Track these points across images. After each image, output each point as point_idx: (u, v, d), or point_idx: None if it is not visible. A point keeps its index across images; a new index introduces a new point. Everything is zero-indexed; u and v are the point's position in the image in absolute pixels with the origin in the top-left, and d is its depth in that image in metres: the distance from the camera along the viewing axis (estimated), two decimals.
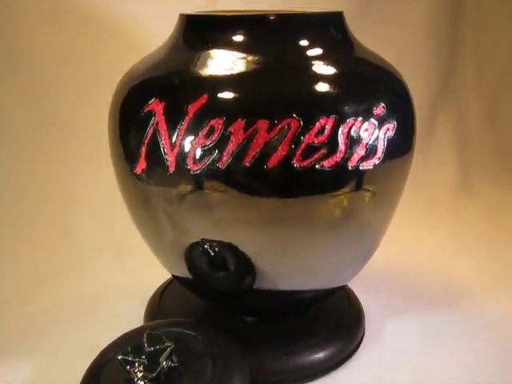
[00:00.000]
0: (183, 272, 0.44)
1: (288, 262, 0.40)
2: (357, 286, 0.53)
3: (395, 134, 0.38)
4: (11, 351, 0.48)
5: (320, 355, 0.45)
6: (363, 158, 0.37)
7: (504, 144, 0.94)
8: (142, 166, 0.38)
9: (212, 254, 0.40)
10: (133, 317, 0.52)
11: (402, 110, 0.40)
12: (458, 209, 0.80)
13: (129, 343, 0.40)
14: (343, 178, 0.37)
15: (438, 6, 0.90)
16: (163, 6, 0.69)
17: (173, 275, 0.47)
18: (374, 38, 0.80)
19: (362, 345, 0.48)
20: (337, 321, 0.48)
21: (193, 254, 0.41)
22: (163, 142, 0.36)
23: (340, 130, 0.35)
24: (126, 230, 0.52)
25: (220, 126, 0.35)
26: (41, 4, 0.70)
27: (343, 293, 0.51)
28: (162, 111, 0.37)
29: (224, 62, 0.37)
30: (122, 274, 0.60)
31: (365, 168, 0.37)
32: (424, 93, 0.90)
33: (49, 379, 0.44)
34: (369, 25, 0.81)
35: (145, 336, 0.40)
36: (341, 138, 0.36)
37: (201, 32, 0.41)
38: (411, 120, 0.42)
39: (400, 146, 0.40)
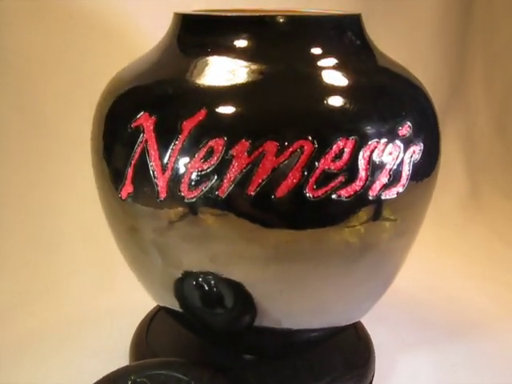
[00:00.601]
0: (172, 304, 0.38)
1: (295, 300, 0.35)
2: (364, 317, 0.47)
3: (421, 157, 0.33)
4: None
5: None
6: (386, 186, 0.32)
7: None
8: (127, 189, 0.33)
9: (207, 288, 0.35)
10: (119, 345, 0.47)
11: (428, 129, 0.35)
12: (468, 224, 0.76)
13: None
14: (362, 208, 0.32)
15: (446, 9, 0.84)
16: (159, 2, 0.64)
17: (161, 307, 0.42)
18: (379, 42, 0.76)
19: None
20: (344, 360, 0.43)
21: (184, 286, 0.36)
22: (153, 164, 0.31)
23: (361, 153, 0.30)
24: (113, 246, 0.47)
25: (220, 148, 0.29)
26: (25, 1, 0.64)
27: (352, 329, 0.46)
28: (151, 127, 0.31)
29: (225, 71, 0.32)
30: (108, 294, 0.55)
31: (387, 197, 0.32)
32: (432, 98, 0.85)
33: None
34: (374, 28, 0.75)
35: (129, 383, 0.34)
36: (361, 164, 0.30)
37: (198, 34, 0.35)
38: (437, 140, 0.37)
39: (425, 170, 0.35)
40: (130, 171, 0.32)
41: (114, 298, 0.54)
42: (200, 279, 0.35)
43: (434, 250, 0.67)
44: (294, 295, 0.34)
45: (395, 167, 0.32)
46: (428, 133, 0.35)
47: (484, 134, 0.90)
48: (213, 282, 0.35)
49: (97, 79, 0.63)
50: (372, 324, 0.48)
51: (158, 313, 0.48)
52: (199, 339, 0.44)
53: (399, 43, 0.82)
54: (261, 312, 0.35)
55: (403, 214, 0.35)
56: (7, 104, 0.64)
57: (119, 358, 0.45)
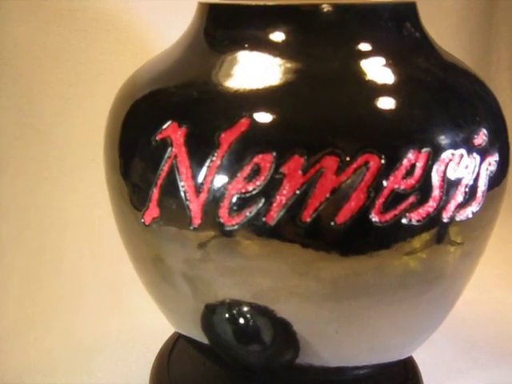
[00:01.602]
0: (198, 336, 0.33)
1: (349, 338, 0.30)
2: None
3: (497, 169, 0.28)
4: None
5: None
6: (461, 205, 0.27)
7: None
8: (152, 213, 0.28)
9: (242, 322, 0.30)
10: (136, 378, 0.42)
11: (502, 135, 0.30)
12: (503, 229, 0.70)
13: None
14: (431, 229, 0.27)
15: None
16: None
17: (185, 338, 0.37)
18: None
19: None
20: None
21: (214, 318, 0.31)
22: (184, 184, 0.26)
23: (435, 168, 0.25)
24: (126, 263, 0.41)
25: (268, 165, 0.24)
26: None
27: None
28: (182, 140, 0.26)
29: (264, 70, 0.27)
30: (121, 317, 0.50)
31: (461, 218, 0.27)
32: None
33: None
34: None
35: None
36: (436, 180, 0.25)
37: (229, 27, 0.30)
38: (508, 148, 0.32)
39: (498, 184, 0.30)
40: (155, 192, 0.27)
41: (127, 321, 0.49)
42: (234, 311, 0.30)
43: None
44: (351, 335, 0.29)
45: (472, 183, 0.27)
46: (503, 140, 0.30)
47: (511, 127, 0.84)
48: (249, 316, 0.30)
49: (100, 78, 0.58)
50: (420, 357, 0.43)
51: (180, 339, 0.43)
52: (229, 373, 0.39)
53: None
54: (305, 349, 0.30)
55: (472, 236, 0.30)
56: (2, 105, 0.59)
57: None
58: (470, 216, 0.27)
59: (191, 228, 0.26)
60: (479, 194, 0.27)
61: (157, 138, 0.27)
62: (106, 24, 0.63)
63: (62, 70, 0.61)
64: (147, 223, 0.28)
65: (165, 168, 0.27)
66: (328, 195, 0.24)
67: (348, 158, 0.24)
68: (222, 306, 0.30)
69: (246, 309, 0.29)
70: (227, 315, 0.30)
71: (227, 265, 0.26)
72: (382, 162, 0.24)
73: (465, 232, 0.29)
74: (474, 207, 0.27)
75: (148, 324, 0.47)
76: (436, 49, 0.31)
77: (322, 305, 0.27)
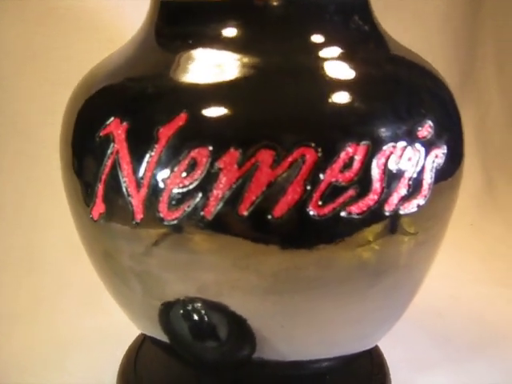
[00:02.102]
0: (159, 335, 0.33)
1: (300, 331, 0.30)
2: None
3: (445, 161, 0.28)
4: None
5: None
6: (404, 198, 0.26)
7: None
8: (99, 209, 0.28)
9: (196, 318, 0.30)
10: (106, 372, 0.42)
11: (451, 127, 0.30)
12: (485, 223, 0.70)
13: None
14: (375, 224, 0.27)
15: None
16: None
17: (147, 337, 0.37)
18: (383, 26, 0.70)
19: None
20: None
21: (170, 316, 0.31)
22: (126, 180, 0.26)
23: (374, 161, 0.25)
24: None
25: (204, 159, 0.24)
26: None
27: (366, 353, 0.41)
28: (123, 136, 0.26)
29: (211, 66, 0.27)
30: (97, 315, 0.50)
31: (406, 212, 0.27)
32: None
33: None
34: (376, 14, 0.70)
35: None
36: (376, 173, 0.25)
37: (179, 24, 0.30)
38: (461, 139, 0.31)
39: (448, 176, 0.30)
40: (100, 188, 0.27)
41: (103, 318, 0.49)
42: (189, 308, 0.30)
43: (450, 254, 0.62)
44: (298, 329, 0.29)
45: (415, 175, 0.27)
46: (452, 132, 0.29)
47: (498, 124, 0.84)
48: (203, 312, 0.30)
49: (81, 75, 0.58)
50: (385, 342, 0.43)
51: (146, 339, 0.43)
52: (192, 370, 0.39)
53: (405, 29, 0.77)
54: (261, 344, 0.30)
55: (424, 225, 0.30)
56: None
57: None
58: (415, 209, 0.27)
59: (134, 223, 0.26)
60: (425, 186, 0.27)
61: (101, 134, 0.27)
62: (91, 23, 0.63)
63: (48, 69, 0.62)
64: (95, 219, 0.28)
65: (108, 164, 0.27)
66: (264, 189, 0.24)
67: (284, 152, 0.24)
68: (177, 304, 0.30)
69: (199, 305, 0.29)
70: (182, 312, 0.30)
71: (170, 259, 0.27)
72: (319, 155, 0.24)
73: (418, 222, 0.29)
74: (419, 200, 0.27)
75: (122, 321, 0.47)
76: (386, 42, 0.31)
77: (264, 298, 0.27)
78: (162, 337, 0.33)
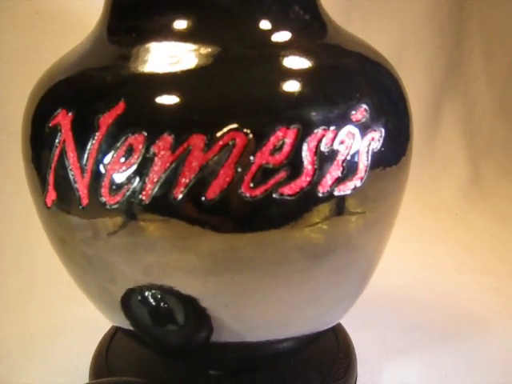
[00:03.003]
0: (123, 322, 0.35)
1: (250, 312, 0.31)
2: (346, 318, 0.43)
3: (383, 144, 0.29)
4: None
5: None
6: (339, 180, 0.27)
7: None
8: (51, 196, 0.29)
9: (154, 303, 0.31)
10: (82, 360, 0.43)
11: (392, 111, 0.31)
12: (469, 213, 0.71)
13: None
14: (314, 205, 0.28)
15: None
16: None
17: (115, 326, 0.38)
18: (368, 24, 0.71)
19: None
20: (321, 371, 0.39)
21: (130, 303, 0.32)
22: (72, 167, 0.27)
23: (305, 144, 0.26)
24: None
25: (140, 145, 0.26)
26: None
27: (331, 334, 0.42)
28: (68, 126, 0.28)
29: (152, 58, 0.28)
30: (75, 305, 0.52)
31: (342, 193, 0.28)
32: (427, 81, 0.80)
33: None
34: (362, 9, 0.71)
35: None
36: (306, 156, 0.26)
37: (125, 18, 0.31)
38: (405, 123, 0.32)
39: (390, 156, 0.31)
40: (51, 176, 0.29)
41: (80, 309, 0.51)
42: (145, 294, 0.31)
43: (430, 243, 0.63)
44: (245, 310, 0.30)
45: (349, 158, 0.28)
46: (391, 116, 0.30)
47: (485, 115, 0.84)
48: (159, 297, 0.31)
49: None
50: (355, 327, 0.44)
51: (118, 332, 0.44)
52: (161, 356, 0.40)
53: (391, 23, 0.78)
54: (217, 326, 0.31)
55: (372, 206, 0.30)
56: None
57: (79, 377, 0.42)
58: (350, 192, 0.28)
59: (80, 208, 0.28)
60: (361, 168, 0.28)
61: (50, 125, 0.28)
62: (74, 25, 0.65)
63: (33, 70, 0.63)
64: (48, 205, 0.30)
65: (56, 152, 0.28)
66: (197, 172, 0.25)
67: (215, 136, 0.25)
68: (135, 291, 0.31)
69: (154, 291, 0.31)
70: (140, 298, 0.31)
71: (115, 242, 0.28)
72: (249, 138, 0.25)
73: (364, 203, 0.30)
74: (355, 182, 0.28)
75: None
76: (327, 30, 0.32)
77: (205, 279, 0.28)
78: (127, 325, 0.34)
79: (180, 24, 0.29)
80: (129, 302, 0.32)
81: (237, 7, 0.30)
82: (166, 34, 0.29)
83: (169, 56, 0.28)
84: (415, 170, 0.67)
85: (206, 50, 0.28)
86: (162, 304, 0.31)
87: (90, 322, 0.49)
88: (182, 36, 0.29)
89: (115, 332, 0.44)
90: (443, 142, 0.81)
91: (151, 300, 0.31)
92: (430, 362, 0.44)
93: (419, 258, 0.59)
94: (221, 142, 0.25)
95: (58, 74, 0.31)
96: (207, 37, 0.29)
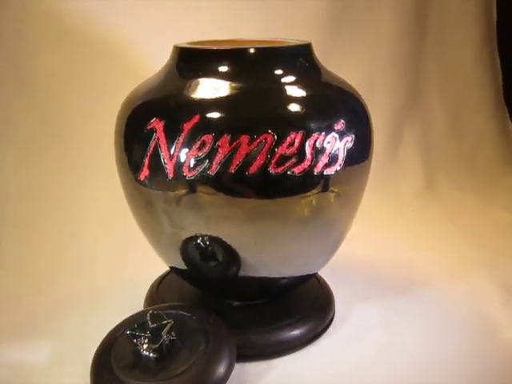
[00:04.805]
0: (179, 263, 0.51)
1: (267, 252, 0.48)
2: (329, 276, 0.61)
3: (353, 145, 0.47)
4: (32, 335, 0.55)
5: (296, 332, 0.53)
6: (326, 165, 0.45)
7: (465, 150, 1.04)
8: (145, 173, 0.46)
9: (204, 246, 0.48)
10: (135, 305, 0.59)
11: (359, 125, 0.49)
12: (423, 209, 0.89)
13: (135, 322, 0.48)
14: (311, 181, 0.45)
15: (402, 28, 0.99)
16: (158, 34, 0.78)
17: (170, 267, 0.55)
18: (345, 60, 0.90)
19: (332, 324, 0.56)
20: (310, 304, 0.56)
21: (188, 247, 0.49)
22: (163, 154, 0.44)
23: (307, 142, 0.44)
24: (127, 232, 0.62)
25: (210, 141, 0.43)
26: (46, 28, 0.78)
27: (316, 282, 0.59)
28: (162, 128, 0.45)
29: (211, 88, 0.46)
30: (124, 270, 0.68)
31: (328, 173, 0.45)
32: (391, 105, 1.00)
33: (67, 354, 0.52)
34: (340, 48, 0.91)
35: (148, 315, 0.47)
36: (308, 149, 0.44)
37: (191, 62, 0.49)
38: (368, 133, 0.50)
39: (358, 155, 0.48)
40: (146, 160, 0.45)
41: (128, 272, 0.67)
42: (198, 240, 0.48)
43: (391, 231, 0.81)
44: (265, 245, 0.47)
45: (333, 152, 0.45)
46: (359, 128, 0.48)
47: (438, 133, 1.04)
48: (208, 242, 0.48)
49: (107, 93, 0.78)
50: (335, 283, 0.61)
51: (165, 278, 0.61)
52: (198, 292, 0.57)
53: (363, 59, 0.97)
54: (243, 263, 0.48)
55: (344, 189, 0.48)
56: (31, 116, 0.78)
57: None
58: (333, 172, 0.46)
59: (167, 180, 0.45)
60: (340, 159, 0.46)
61: (147, 128, 0.45)
62: (113, 54, 0.82)
63: (81, 87, 0.80)
64: (142, 180, 0.46)
65: (152, 145, 0.45)
66: (244, 157, 0.43)
67: (255, 136, 0.43)
68: (191, 238, 0.48)
69: (205, 238, 0.47)
70: (194, 243, 0.48)
71: (188, 201, 0.45)
72: (275, 138, 0.43)
73: (339, 185, 0.47)
74: (336, 167, 0.46)
75: (144, 273, 0.64)
76: (321, 73, 0.50)
77: (243, 225, 0.45)
78: (182, 265, 0.51)
79: (222, 68, 0.47)
80: (187, 245, 0.49)
81: (260, 59, 0.48)
82: (213, 74, 0.47)
83: (222, 88, 0.45)
84: (380, 177, 0.89)
85: (238, 85, 0.46)
86: (208, 247, 0.48)
87: (135, 281, 0.65)
88: (223, 75, 0.46)
89: (162, 278, 0.60)
90: (404, 154, 1.00)
91: (202, 244, 0.48)
92: (386, 306, 0.61)
93: (383, 239, 0.77)
94: (258, 140, 0.43)
95: (145, 95, 0.49)
96: (240, 77, 0.46)
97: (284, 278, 0.52)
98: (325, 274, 0.60)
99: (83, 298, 0.62)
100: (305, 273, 0.53)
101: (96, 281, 0.66)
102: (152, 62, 0.77)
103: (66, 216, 0.75)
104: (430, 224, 0.84)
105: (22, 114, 0.77)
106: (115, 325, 0.50)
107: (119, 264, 0.69)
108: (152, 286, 0.60)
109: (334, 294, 0.59)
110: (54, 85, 0.78)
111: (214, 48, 0.48)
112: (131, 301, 0.60)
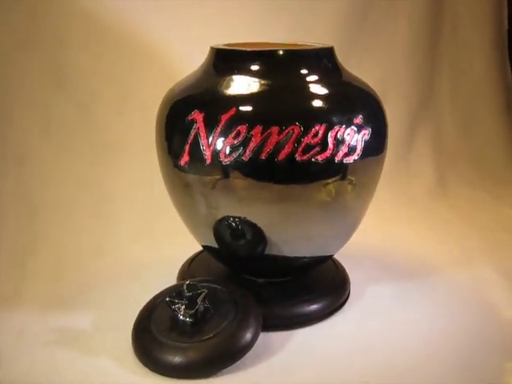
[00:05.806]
0: (211, 242, 0.57)
1: (291, 232, 0.54)
2: (345, 261, 0.67)
3: (370, 138, 0.53)
4: (76, 305, 0.62)
5: (314, 307, 0.58)
6: (346, 155, 0.51)
7: (476, 151, 1.09)
8: (185, 159, 0.52)
9: (234, 226, 0.54)
10: (168, 282, 0.64)
11: (375, 120, 0.54)
12: (433, 205, 0.95)
13: (173, 291, 0.54)
14: (332, 168, 0.51)
15: (417, 35, 1.05)
16: (188, 37, 0.85)
17: (203, 246, 0.61)
18: (362, 64, 0.97)
19: (347, 302, 0.62)
20: (327, 283, 0.62)
21: (220, 227, 0.55)
22: (202, 142, 0.50)
23: (329, 133, 0.50)
24: (161, 218, 0.70)
25: (244, 131, 0.49)
26: (84, 32, 0.85)
27: (332, 264, 0.65)
28: (201, 119, 0.51)
29: (245, 84, 0.52)
30: (158, 252, 0.74)
31: (347, 162, 0.51)
32: (405, 108, 1.06)
33: (108, 322, 0.58)
34: (358, 53, 0.97)
35: (185, 285, 0.53)
36: (330, 140, 0.50)
37: (227, 62, 0.55)
38: (383, 128, 0.56)
39: (374, 147, 0.54)
40: (187, 147, 0.52)
41: (163, 253, 0.73)
42: (230, 221, 0.54)
43: (403, 224, 0.87)
44: (290, 229, 0.53)
45: (352, 143, 0.51)
46: (375, 122, 0.54)
47: (450, 136, 1.09)
48: (238, 222, 0.54)
49: (140, 89, 0.85)
50: (350, 267, 0.67)
51: (196, 257, 0.67)
52: (227, 270, 0.63)
53: (379, 63, 1.03)
54: (269, 242, 0.54)
55: (360, 180, 0.54)
56: (71, 112, 0.85)
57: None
58: (352, 161, 0.51)
59: (205, 165, 0.51)
60: (358, 149, 0.52)
61: (188, 119, 0.51)
62: (146, 54, 0.89)
63: (114, 83, 0.87)
64: (182, 165, 0.53)
65: (192, 134, 0.51)
66: (274, 145, 0.49)
67: (284, 127, 0.49)
68: (224, 219, 0.54)
69: (236, 219, 0.53)
70: (226, 223, 0.54)
71: (223, 184, 0.51)
72: (301, 129, 0.49)
73: (356, 174, 0.53)
74: (355, 156, 0.51)
75: (176, 253, 0.70)
76: (342, 73, 0.56)
77: (272, 205, 0.51)
78: (214, 243, 0.57)
79: (254, 67, 0.53)
80: (220, 225, 0.55)
81: (288, 60, 0.54)
82: (246, 72, 0.53)
83: (254, 85, 0.52)
84: (394, 175, 0.95)
85: (268, 82, 0.52)
86: (239, 227, 0.54)
87: (167, 261, 0.71)
88: (255, 74, 0.53)
89: (192, 259, 0.67)
90: (416, 155, 1.06)
91: (233, 224, 0.54)
92: (397, 288, 0.66)
93: (395, 231, 0.83)
94: (287, 130, 0.49)
95: (185, 90, 0.55)
96: (270, 75, 0.52)
97: (304, 257, 0.58)
98: (341, 258, 0.66)
99: (122, 275, 0.68)
100: (323, 253, 0.59)
101: (133, 261, 0.72)
102: (181, 62, 0.84)
103: (107, 203, 0.81)
104: (439, 219, 0.89)
105: (63, 109, 0.84)
106: (151, 297, 0.56)
107: (154, 247, 0.75)
108: (183, 265, 0.66)
109: (350, 277, 0.65)
110: (93, 83, 0.85)
111: (248, 49, 0.54)
112: (164, 278, 0.65)
